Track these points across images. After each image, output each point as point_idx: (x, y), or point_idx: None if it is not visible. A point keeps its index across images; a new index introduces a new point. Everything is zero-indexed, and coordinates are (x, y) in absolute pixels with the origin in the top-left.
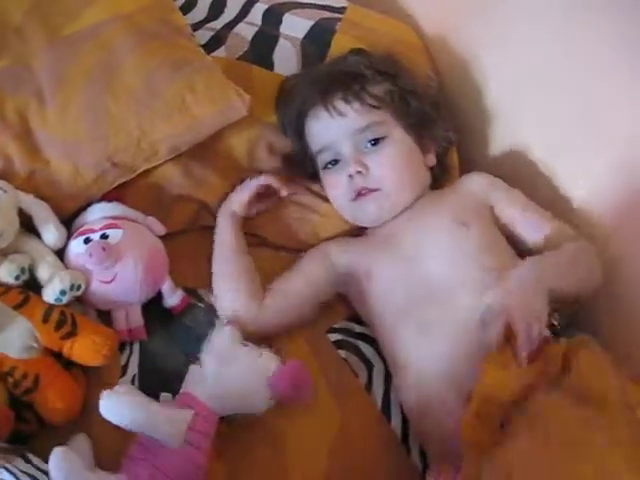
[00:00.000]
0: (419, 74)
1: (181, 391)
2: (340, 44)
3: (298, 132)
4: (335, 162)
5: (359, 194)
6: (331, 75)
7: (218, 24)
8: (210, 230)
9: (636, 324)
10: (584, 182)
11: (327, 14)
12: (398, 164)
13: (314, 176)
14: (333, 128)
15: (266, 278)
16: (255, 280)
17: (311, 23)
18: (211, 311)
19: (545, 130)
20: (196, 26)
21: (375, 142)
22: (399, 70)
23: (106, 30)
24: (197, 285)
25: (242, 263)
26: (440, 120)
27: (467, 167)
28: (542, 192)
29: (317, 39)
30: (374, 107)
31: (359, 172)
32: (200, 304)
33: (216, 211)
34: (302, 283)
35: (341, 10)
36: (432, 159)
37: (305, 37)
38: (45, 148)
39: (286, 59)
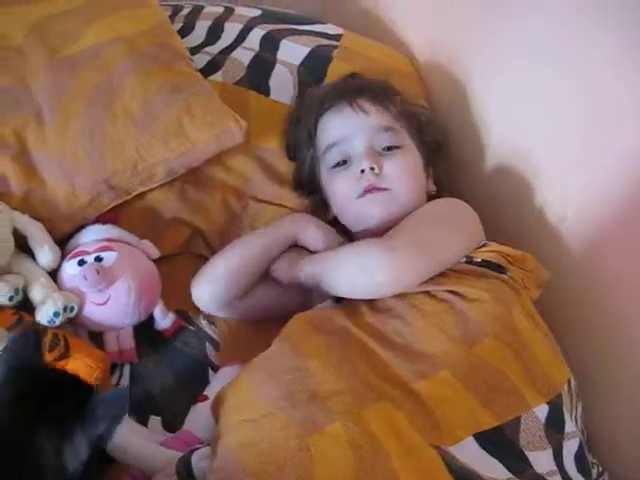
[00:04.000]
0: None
1: (183, 427)
2: (336, 71)
3: (309, 131)
4: (344, 163)
5: (367, 191)
6: (359, 83)
7: (215, 49)
8: (202, 257)
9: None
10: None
11: (324, 41)
12: (410, 173)
13: (312, 193)
14: (353, 121)
15: None
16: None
17: (308, 50)
18: (202, 334)
19: (540, 158)
20: (194, 50)
21: (390, 148)
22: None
23: (106, 52)
24: (188, 308)
25: (249, 260)
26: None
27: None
28: (532, 215)
29: (314, 66)
30: (395, 118)
31: (372, 169)
32: (191, 327)
33: (210, 238)
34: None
35: (337, 37)
36: (432, 186)
37: (302, 63)
38: (42, 168)
39: (282, 85)
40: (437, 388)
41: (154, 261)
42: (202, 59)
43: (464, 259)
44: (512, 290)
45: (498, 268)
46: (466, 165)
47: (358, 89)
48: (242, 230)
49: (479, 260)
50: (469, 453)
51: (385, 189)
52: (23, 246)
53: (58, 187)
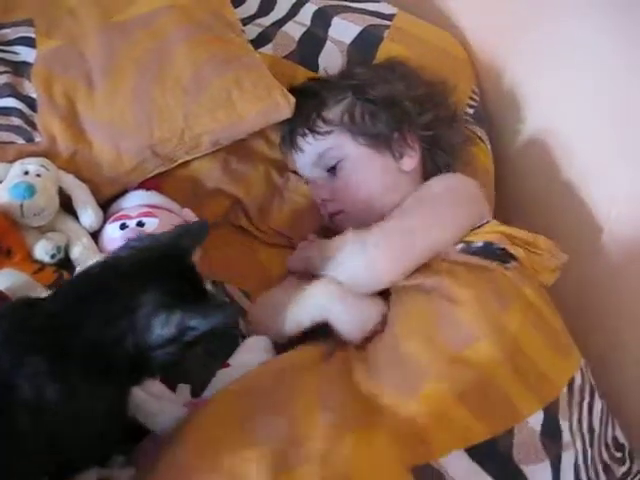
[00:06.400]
0: (428, 79)
1: (203, 394)
2: (386, 51)
3: None
4: None
5: (330, 216)
6: (298, 106)
7: (267, 21)
8: (240, 228)
9: None
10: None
11: (376, 20)
12: (357, 183)
13: None
14: (301, 163)
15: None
16: None
17: (359, 29)
18: (235, 306)
19: (587, 157)
20: (245, 21)
21: (333, 167)
22: (389, 76)
23: (160, 19)
24: (225, 280)
25: None
26: (422, 119)
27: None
28: (574, 215)
29: (364, 46)
30: (326, 133)
31: (324, 200)
32: (226, 299)
33: (250, 209)
34: None
35: (390, 17)
36: (409, 162)
37: (352, 42)
38: (89, 131)
39: (331, 63)
40: (424, 402)
41: None
42: (253, 31)
43: (461, 245)
44: (511, 283)
45: (499, 253)
46: (510, 161)
47: (292, 126)
48: (283, 204)
49: (480, 245)
50: (461, 467)
51: (340, 211)
52: (67, 206)
53: (104, 150)
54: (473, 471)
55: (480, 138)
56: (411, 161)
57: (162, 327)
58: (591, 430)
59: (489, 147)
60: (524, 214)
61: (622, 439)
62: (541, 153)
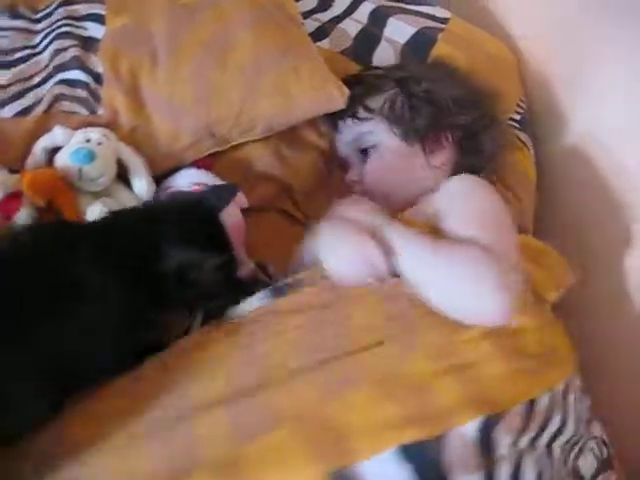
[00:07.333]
0: (474, 81)
1: None
2: (439, 53)
3: None
4: None
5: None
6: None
7: (325, 16)
8: (286, 213)
9: None
10: None
11: (431, 23)
12: (383, 170)
13: None
14: (339, 142)
15: None
16: None
17: (414, 30)
18: None
19: (636, 172)
20: (304, 15)
21: (364, 151)
22: (428, 75)
23: (226, 3)
24: (267, 262)
25: None
26: (458, 118)
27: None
28: (609, 230)
29: (418, 46)
30: (365, 119)
31: (353, 181)
32: (268, 281)
33: (297, 195)
34: None
35: (444, 21)
36: (439, 159)
37: (407, 43)
38: (150, 107)
39: (385, 61)
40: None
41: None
42: (311, 25)
43: None
44: None
45: None
46: (556, 174)
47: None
48: (329, 193)
49: None
50: (388, 469)
51: (365, 194)
52: (121, 178)
53: (163, 126)
54: (405, 475)
55: (524, 143)
56: (441, 158)
57: (173, 256)
58: (549, 453)
59: (532, 153)
60: (558, 224)
61: (584, 470)
62: (582, 164)
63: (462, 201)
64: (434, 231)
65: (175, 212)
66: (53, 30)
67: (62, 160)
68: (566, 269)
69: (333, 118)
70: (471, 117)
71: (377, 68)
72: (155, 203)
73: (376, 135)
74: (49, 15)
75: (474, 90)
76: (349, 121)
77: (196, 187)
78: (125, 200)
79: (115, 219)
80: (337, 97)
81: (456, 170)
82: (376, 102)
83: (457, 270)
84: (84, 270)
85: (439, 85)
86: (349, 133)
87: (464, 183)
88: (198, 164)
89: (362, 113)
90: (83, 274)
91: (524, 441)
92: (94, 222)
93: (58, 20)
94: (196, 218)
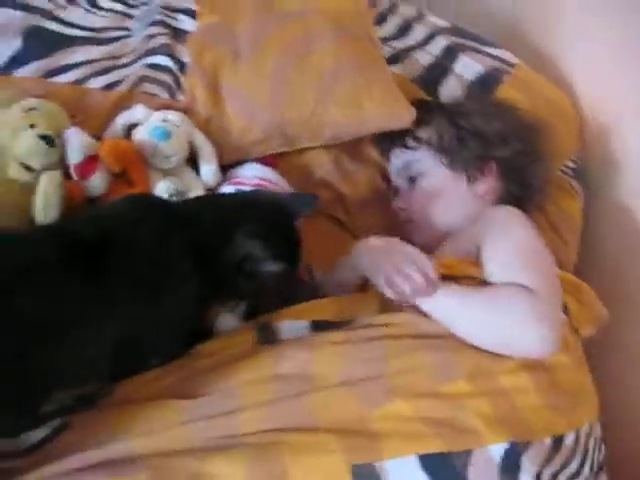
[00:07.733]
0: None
1: None
2: (504, 94)
3: None
4: None
5: (402, 224)
6: None
7: (401, 44)
8: (336, 220)
9: None
10: None
11: (499, 65)
12: (430, 196)
13: None
14: (390, 168)
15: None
16: None
17: (483, 69)
18: (315, 291)
19: None
20: (382, 40)
21: (412, 179)
22: (484, 113)
23: (312, 16)
24: (313, 265)
25: None
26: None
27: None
28: None
29: (484, 85)
30: (414, 148)
31: (400, 208)
32: (311, 281)
33: (351, 206)
34: None
35: (512, 65)
36: (482, 188)
37: (474, 80)
38: (228, 100)
39: (451, 94)
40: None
41: None
42: (387, 50)
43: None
44: None
45: None
46: (599, 221)
47: (388, 136)
48: (383, 208)
49: None
50: (409, 473)
51: (410, 220)
52: (190, 162)
53: (237, 119)
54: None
55: (576, 191)
56: (484, 187)
57: (243, 246)
58: None
59: (581, 203)
60: (595, 271)
61: None
62: (631, 221)
63: (502, 237)
64: (474, 264)
65: (259, 208)
66: (148, 17)
67: (140, 135)
68: (599, 305)
69: (385, 147)
70: (515, 150)
71: (434, 100)
72: (240, 195)
73: (422, 164)
74: (146, 4)
75: (522, 126)
76: (398, 151)
77: (261, 182)
78: (190, 182)
79: (204, 204)
80: (405, 116)
81: (500, 201)
82: (426, 132)
83: (502, 307)
84: (176, 255)
85: (486, 119)
86: (399, 161)
87: (501, 214)
88: (263, 161)
89: (411, 142)
90: (175, 258)
91: (546, 475)
92: (186, 205)
93: (154, 9)
94: (277, 220)
